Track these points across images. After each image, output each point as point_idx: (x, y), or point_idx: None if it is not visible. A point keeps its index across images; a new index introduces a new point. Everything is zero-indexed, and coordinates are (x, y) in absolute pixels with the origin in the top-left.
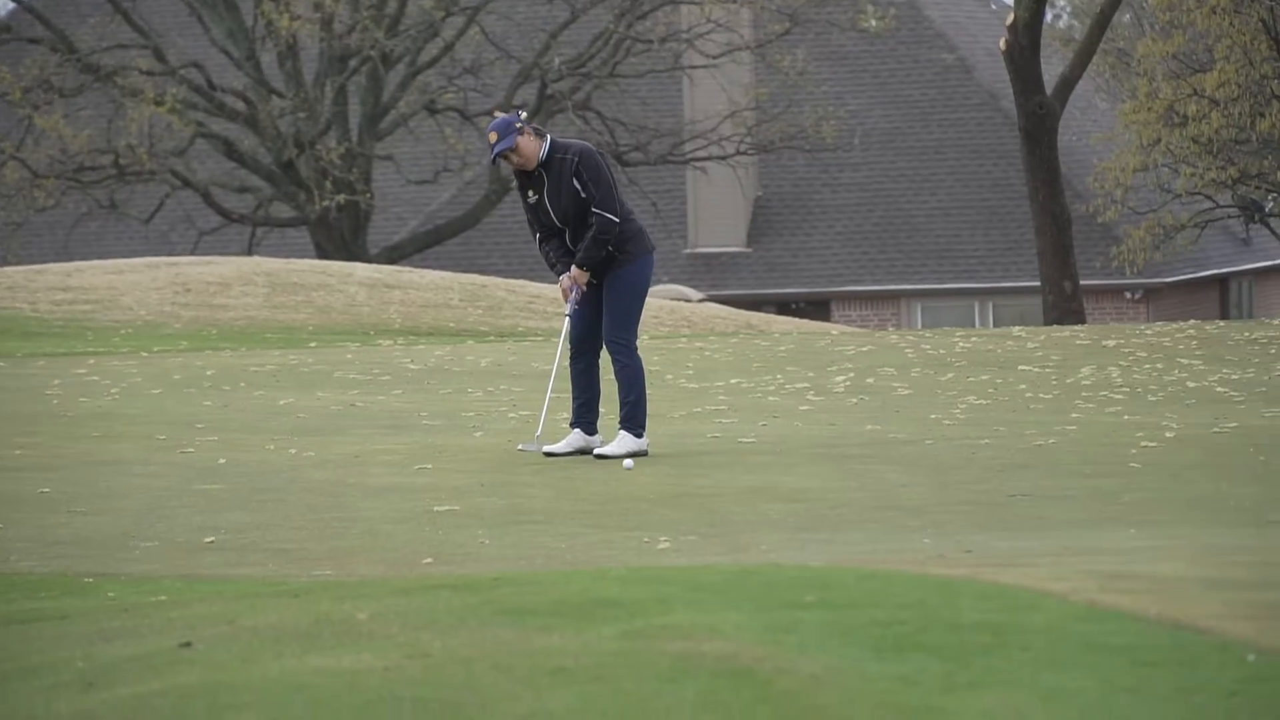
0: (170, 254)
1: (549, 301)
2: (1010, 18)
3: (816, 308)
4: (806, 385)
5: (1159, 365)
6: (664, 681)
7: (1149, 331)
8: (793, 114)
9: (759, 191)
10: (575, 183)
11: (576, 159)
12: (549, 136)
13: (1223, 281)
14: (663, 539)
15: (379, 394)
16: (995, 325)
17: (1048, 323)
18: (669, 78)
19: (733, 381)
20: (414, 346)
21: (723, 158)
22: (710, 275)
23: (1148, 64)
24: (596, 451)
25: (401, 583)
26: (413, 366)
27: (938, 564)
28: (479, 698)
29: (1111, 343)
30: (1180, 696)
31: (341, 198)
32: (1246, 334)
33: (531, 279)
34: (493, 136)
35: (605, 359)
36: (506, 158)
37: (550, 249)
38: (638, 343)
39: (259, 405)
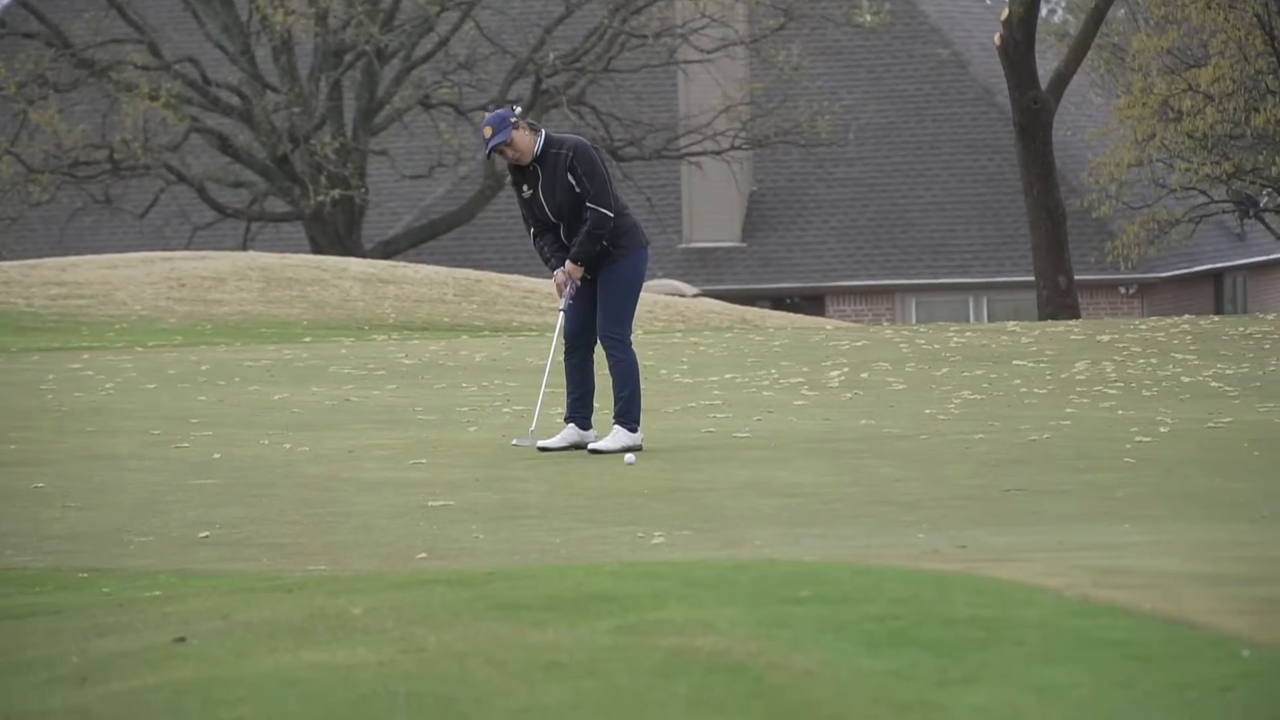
0: (165, 249)
1: (543, 296)
2: (1005, 12)
3: (811, 303)
4: (801, 380)
5: (1153, 360)
6: (657, 677)
7: (1143, 326)
8: (787, 109)
9: (753, 186)
10: (570, 177)
11: (571, 154)
12: (544, 131)
13: (1217, 276)
14: (657, 534)
15: (373, 389)
16: (990, 320)
17: (1042, 318)
18: (663, 72)
19: (727, 376)
20: (408, 341)
21: (717, 153)
22: (705, 270)
23: (1142, 59)
24: (591, 446)
25: (396, 577)
26: (407, 361)
27: (932, 559)
28: (473, 692)
29: (1106, 338)
30: (1174, 691)
31: (336, 193)
32: (1241, 329)
33: (526, 274)
34: (487, 131)
35: (600, 354)
36: (501, 152)
37: (545, 244)
38: (632, 337)
39: (253, 400)
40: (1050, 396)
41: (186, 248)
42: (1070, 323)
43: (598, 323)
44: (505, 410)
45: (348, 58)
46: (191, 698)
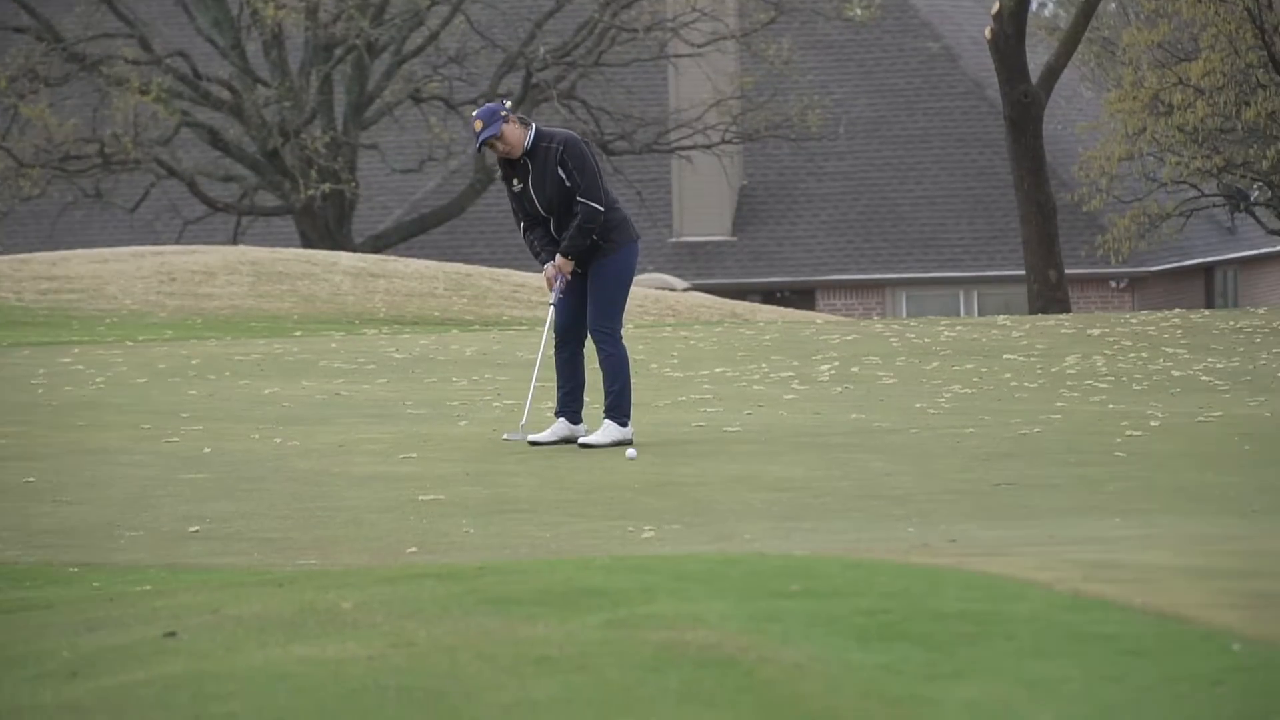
0: (155, 243)
1: (533, 290)
2: (995, 6)
3: (801, 296)
4: (791, 374)
5: (1144, 354)
6: (647, 671)
7: (1134, 320)
8: (778, 103)
9: (744, 180)
10: (560, 171)
11: (561, 148)
12: (534, 125)
13: (1208, 270)
14: (647, 528)
15: (364, 383)
16: (980, 314)
17: (1032, 311)
18: (654, 66)
19: (717, 370)
20: (399, 335)
21: (708, 146)
22: (695, 264)
23: (1133, 53)
24: (581, 441)
25: (386, 572)
26: (397, 355)
27: (922, 553)
28: (463, 687)
29: (1096, 331)
30: (1165, 686)
31: (326, 187)
32: (1231, 323)
33: (516, 268)
34: (478, 124)
35: (590, 348)
36: (492, 145)
37: (534, 238)
38: (622, 332)
39: (244, 394)
40: (1041, 390)
41: (177, 242)
42: (1061, 317)
43: (588, 317)
44: (495, 404)
45: (338, 52)
46: (181, 692)
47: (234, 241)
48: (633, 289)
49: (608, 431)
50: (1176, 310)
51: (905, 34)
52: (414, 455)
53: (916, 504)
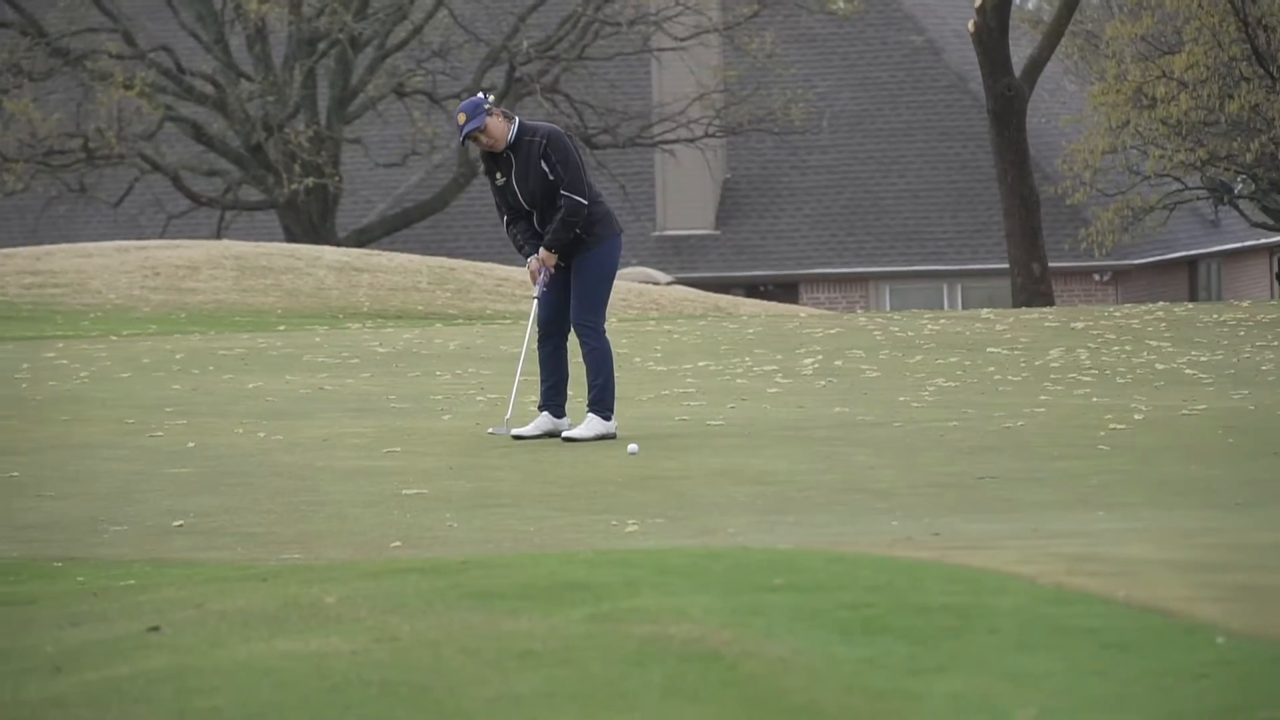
0: (139, 237)
1: (517, 284)
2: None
3: (785, 290)
4: (775, 368)
5: (1128, 347)
6: (631, 664)
7: (1117, 313)
8: (761, 96)
9: (727, 174)
10: (543, 165)
11: (544, 141)
12: (517, 119)
13: (1191, 263)
14: (630, 522)
15: (347, 377)
16: (964, 307)
17: (1016, 305)
18: (637, 60)
19: (701, 364)
20: (382, 329)
21: (691, 140)
22: (679, 258)
23: (1116, 46)
24: (565, 434)
25: (369, 566)
26: (381, 350)
27: (905, 546)
28: (447, 681)
29: (1080, 325)
30: (1148, 679)
31: (310, 181)
32: (1215, 316)
33: (500, 262)
34: (461, 118)
35: (573, 341)
36: (475, 139)
37: (518, 231)
38: (606, 325)
39: (228, 389)
40: (1024, 384)
41: (161, 236)
42: (1044, 310)
43: (571, 311)
44: (479, 398)
45: (322, 46)
46: (165, 687)
47: (218, 236)
48: (616, 283)
49: (591, 425)
50: (1160, 303)
51: (888, 27)
52: (398, 449)
53: (900, 498)
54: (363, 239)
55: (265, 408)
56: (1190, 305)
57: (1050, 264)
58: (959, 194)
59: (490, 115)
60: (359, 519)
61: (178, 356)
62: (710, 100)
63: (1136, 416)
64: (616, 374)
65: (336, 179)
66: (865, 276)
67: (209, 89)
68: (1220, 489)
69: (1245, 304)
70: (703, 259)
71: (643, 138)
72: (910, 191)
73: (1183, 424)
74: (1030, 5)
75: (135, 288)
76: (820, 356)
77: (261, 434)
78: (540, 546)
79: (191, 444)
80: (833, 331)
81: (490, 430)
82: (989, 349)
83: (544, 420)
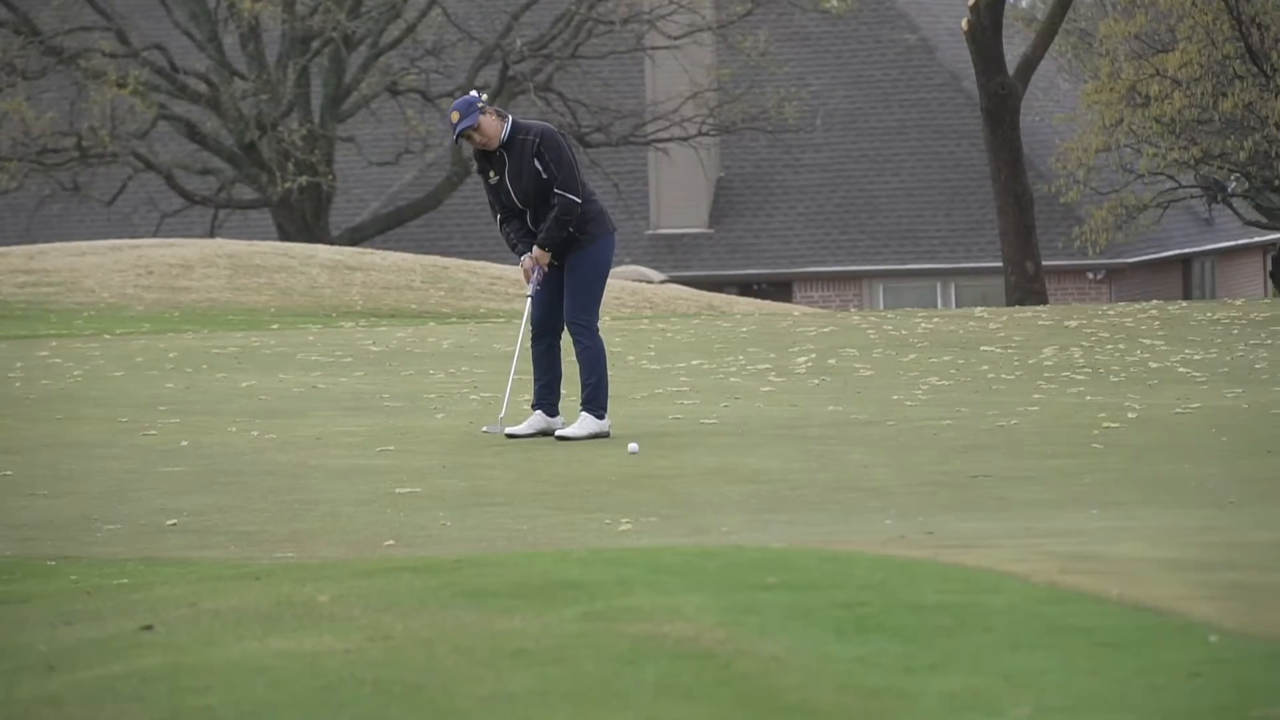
0: (133, 236)
1: (510, 283)
2: None
3: (778, 289)
4: (768, 366)
5: (1121, 346)
6: (624, 663)
7: (1111, 312)
8: (755, 95)
9: (721, 172)
10: (536, 163)
11: (538, 140)
12: (510, 118)
13: (1185, 262)
14: (624, 521)
15: (341, 376)
16: (957, 306)
17: (1010, 303)
18: (631, 59)
19: (694, 363)
20: (376, 328)
21: (684, 139)
22: (672, 256)
23: (1110, 44)
24: (558, 433)
25: (363, 565)
26: (374, 348)
27: (899, 545)
28: (440, 680)
29: (1074, 323)
30: (1141, 678)
31: (303, 179)
32: (1209, 314)
33: (493, 260)
34: (455, 116)
35: (567, 340)
36: (469, 137)
37: (511, 230)
38: (599, 324)
39: (221, 387)
40: (1018, 382)
41: (154, 235)
42: (1038, 308)
43: (565, 309)
44: (472, 397)
45: (315, 44)
46: (159, 686)
47: (211, 234)
48: (609, 281)
49: (584, 424)
50: (1154, 302)
51: (882, 26)
52: (391, 448)
53: (893, 496)
54: (356, 237)
55: (258, 406)
56: (1184, 304)
57: (1044, 262)
58: (952, 192)
59: (484, 114)
60: (352, 517)
61: (171, 355)
62: (704, 99)
63: (1130, 415)
64: (610, 373)
65: (330, 177)
66: (859, 275)
67: (202, 87)
68: (1214, 487)
69: (1239, 302)
70: (696, 257)
71: (636, 136)
72: (904, 190)
73: (1176, 422)
74: (1024, 4)
75: (129, 286)
76: (814, 355)
77: (255, 433)
78: (534, 545)
79: (185, 443)
80: (826, 330)
81: (485, 429)
82: (982, 347)
83: (537, 419)
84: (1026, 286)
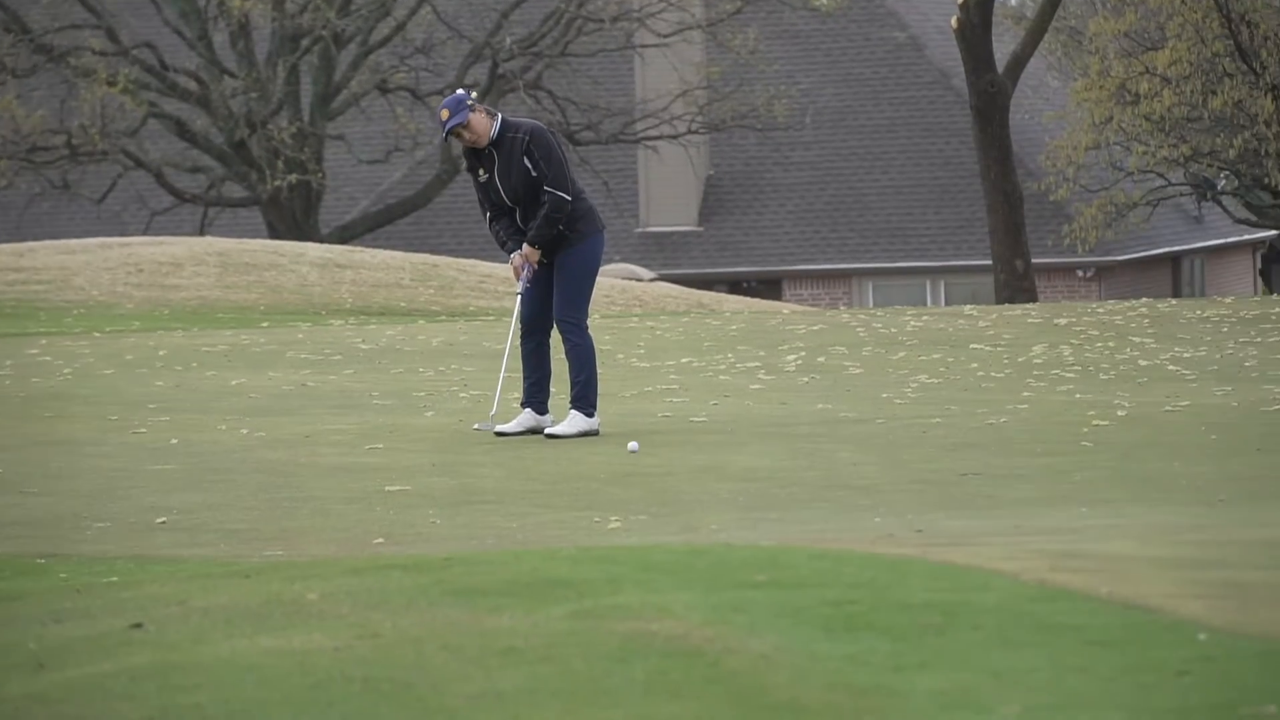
0: (123, 234)
1: (500, 281)
2: None
3: (768, 287)
4: (758, 364)
5: (1111, 343)
6: (614, 661)
7: (1101, 310)
8: (744, 93)
9: (710, 170)
10: (526, 161)
11: (527, 138)
12: (500, 115)
13: (1175, 259)
14: (613, 519)
15: (330, 374)
16: (947, 304)
17: (999, 301)
18: (620, 57)
19: (684, 361)
20: (365, 326)
21: (674, 137)
22: (662, 254)
23: (1099, 42)
24: (547, 431)
25: (352, 563)
26: (364, 346)
27: (888, 543)
28: (429, 678)
29: (1063, 321)
30: (1131, 675)
31: (293, 177)
32: (1198, 312)
33: (483, 258)
34: (444, 114)
35: (556, 338)
36: (458, 135)
37: (500, 228)
38: (588, 322)
39: (211, 385)
40: (1007, 380)
41: (144, 233)
42: (1027, 306)
43: (554, 307)
44: (462, 395)
45: (305, 42)
46: (148, 683)
47: (201, 232)
48: (599, 279)
49: (574, 422)
50: (1143, 299)
51: (871, 23)
52: (380, 446)
53: (883, 494)
54: (346, 235)
55: (248, 404)
56: (1173, 301)
57: (1033, 260)
58: (942, 190)
59: (473, 111)
60: (342, 516)
61: (161, 353)
62: (693, 96)
63: (1119, 413)
64: (599, 371)
65: (319, 175)
66: (848, 273)
67: (192, 85)
68: (1203, 485)
69: (1228, 300)
70: (686, 255)
71: (626, 134)
72: (893, 188)
73: (1166, 420)
74: (1013, 2)
75: (118, 284)
76: (803, 353)
77: (244, 431)
78: (523, 543)
79: (174, 441)
80: (816, 328)
81: (476, 426)
82: (972, 345)
83: (527, 417)
84: (1016, 284)
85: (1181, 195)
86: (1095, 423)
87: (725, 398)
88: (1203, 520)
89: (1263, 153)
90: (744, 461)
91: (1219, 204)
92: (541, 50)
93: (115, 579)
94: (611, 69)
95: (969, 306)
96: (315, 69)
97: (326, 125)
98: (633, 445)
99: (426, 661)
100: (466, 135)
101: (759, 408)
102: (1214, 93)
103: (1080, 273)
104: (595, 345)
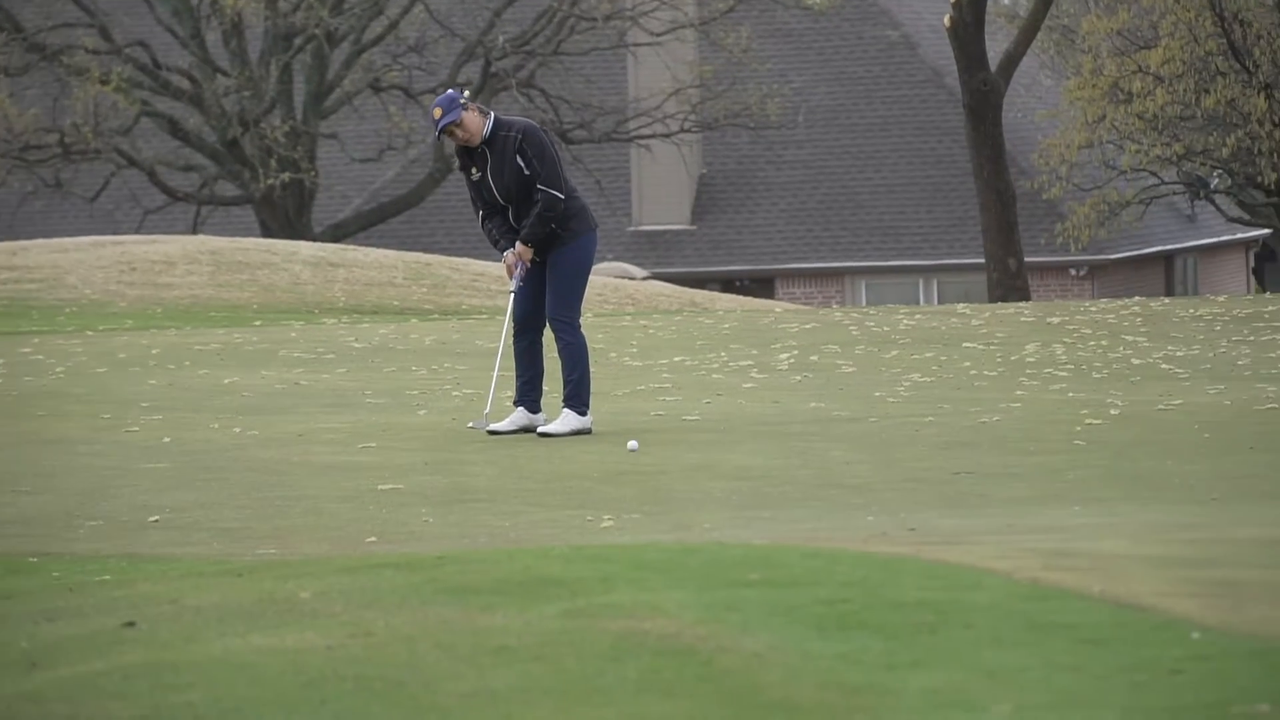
0: (115, 233)
1: (493, 279)
2: None
3: (761, 285)
4: (750, 363)
5: (1104, 342)
6: (606, 660)
7: (1094, 308)
8: (737, 91)
9: (703, 169)
10: (519, 160)
11: (520, 136)
12: (493, 114)
13: (1167, 258)
14: (606, 517)
15: (323, 372)
16: (940, 302)
17: (992, 300)
18: (613, 55)
19: (677, 359)
20: (358, 325)
21: (667, 135)
22: (654, 253)
23: (1092, 40)
24: (540, 430)
25: (345, 561)
26: (357, 345)
27: (881, 542)
28: (422, 676)
29: (1056, 320)
30: (1123, 674)
31: (286, 176)
32: (1191, 311)
33: (475, 257)
34: (437, 112)
35: (549, 337)
36: (451, 133)
37: (493, 226)
38: (581, 320)
39: (204, 384)
40: (1000, 379)
41: (137, 231)
42: (1020, 305)
43: (547, 306)
44: (454, 394)
45: (298, 41)
46: (141, 682)
47: (194, 231)
48: (591, 278)
49: (566, 420)
50: (1136, 298)
51: (864, 22)
52: (373, 445)
53: (875, 493)
54: (339, 234)
55: (241, 403)
56: (1166, 300)
57: (1026, 259)
58: (935, 189)
59: (466, 110)
60: (334, 514)
61: (154, 352)
62: (686, 95)
63: (1112, 412)
64: (592, 369)
65: (312, 174)
66: (841, 271)
67: (185, 84)
68: (1196, 484)
69: (1221, 299)
70: (678, 254)
71: (618, 133)
72: (886, 186)
73: (1159, 419)
74: (1006, 0)
75: (111, 283)
76: (796, 352)
77: (237, 429)
78: (516, 542)
79: (167, 439)
80: (808, 327)
81: (470, 424)
82: (965, 344)
83: (519, 415)
84: (1009, 283)
85: (1174, 194)
86: (1088, 421)
87: (718, 396)
88: (1195, 519)
89: (1255, 151)
90: (737, 460)
91: (1212, 203)
92: (534, 49)
93: (108, 577)
94: (604, 67)
95: (962, 305)
96: (308, 67)
97: (319, 124)
98: (632, 444)
99: (419, 660)
100: (459, 134)
101: (752, 406)
102: (1207, 91)
103: (1073, 271)
104: (588, 344)
